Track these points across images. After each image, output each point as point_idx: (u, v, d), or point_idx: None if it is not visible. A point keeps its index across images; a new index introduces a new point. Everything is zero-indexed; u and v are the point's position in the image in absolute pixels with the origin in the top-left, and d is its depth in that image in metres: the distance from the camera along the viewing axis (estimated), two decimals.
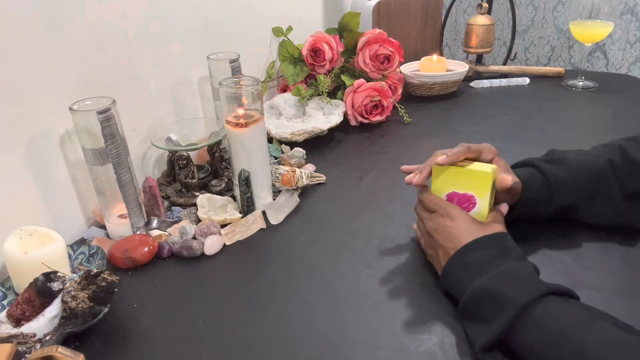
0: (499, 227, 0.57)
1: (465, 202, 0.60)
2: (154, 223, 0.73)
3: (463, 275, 0.53)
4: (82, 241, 0.71)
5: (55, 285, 0.54)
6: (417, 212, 0.64)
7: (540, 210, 0.64)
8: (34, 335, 0.52)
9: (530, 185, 0.63)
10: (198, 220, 0.75)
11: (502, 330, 0.46)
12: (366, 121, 1.08)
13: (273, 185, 0.79)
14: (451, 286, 0.55)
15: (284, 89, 1.18)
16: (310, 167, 0.90)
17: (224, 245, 0.69)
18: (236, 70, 0.87)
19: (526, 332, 0.45)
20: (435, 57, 1.28)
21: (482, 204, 0.59)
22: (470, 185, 0.59)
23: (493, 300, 0.48)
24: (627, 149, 0.64)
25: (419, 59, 1.30)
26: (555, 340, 0.43)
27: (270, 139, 1.00)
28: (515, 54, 1.99)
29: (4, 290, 0.59)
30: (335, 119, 1.02)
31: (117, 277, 0.55)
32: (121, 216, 0.71)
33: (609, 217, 0.64)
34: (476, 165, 0.59)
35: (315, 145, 1.00)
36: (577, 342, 0.42)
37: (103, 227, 0.74)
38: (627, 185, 0.63)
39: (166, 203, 0.80)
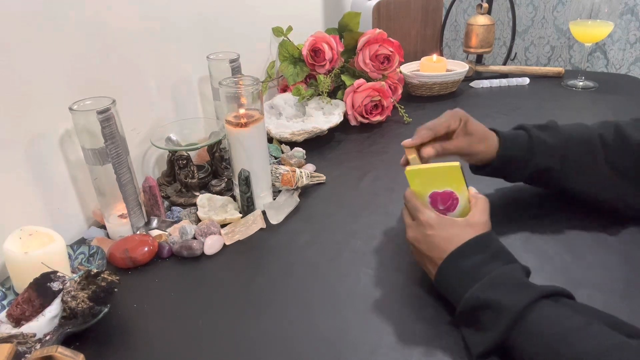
0: (483, 226, 0.55)
1: (448, 200, 0.59)
2: (154, 223, 0.73)
3: (455, 284, 0.52)
4: (82, 241, 0.71)
5: (55, 285, 0.54)
6: (403, 218, 0.62)
7: (516, 168, 0.66)
8: (34, 335, 0.52)
9: (511, 143, 0.65)
10: (198, 220, 0.75)
11: (497, 339, 0.46)
12: (366, 121, 1.08)
13: (273, 185, 0.79)
14: (446, 294, 0.54)
15: (284, 89, 1.18)
16: (310, 167, 0.90)
17: (224, 245, 0.69)
18: (236, 70, 0.87)
19: (522, 340, 0.45)
20: (435, 57, 1.28)
21: (463, 197, 0.59)
22: (446, 182, 0.58)
23: (487, 309, 0.48)
24: (624, 126, 0.65)
25: (419, 59, 1.30)
26: (551, 347, 0.43)
27: (270, 139, 1.00)
28: (515, 54, 1.99)
29: (4, 290, 0.59)
30: (335, 119, 1.02)
31: (117, 277, 0.55)
32: (121, 216, 0.71)
33: (593, 187, 0.65)
34: (442, 163, 0.59)
35: (315, 145, 1.00)
36: (573, 350, 0.41)
37: (103, 227, 0.74)
38: (615, 161, 0.63)
39: (166, 203, 0.80)
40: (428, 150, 0.63)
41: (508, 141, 0.65)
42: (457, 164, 0.57)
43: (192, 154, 0.84)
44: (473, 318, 0.49)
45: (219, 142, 0.85)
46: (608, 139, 0.64)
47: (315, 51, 1.11)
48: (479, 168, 0.69)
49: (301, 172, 0.80)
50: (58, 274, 0.55)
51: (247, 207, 0.75)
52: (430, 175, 0.59)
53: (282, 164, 0.90)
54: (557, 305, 0.46)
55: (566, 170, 0.65)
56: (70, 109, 0.63)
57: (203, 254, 0.68)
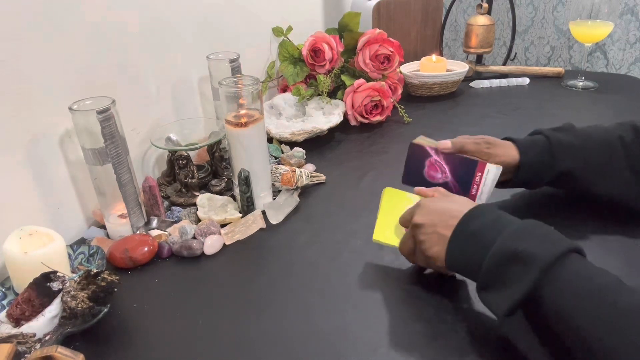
0: None
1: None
2: (154, 223, 0.73)
3: (472, 248, 0.48)
4: (82, 241, 0.71)
5: (55, 285, 0.54)
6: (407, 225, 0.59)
7: (541, 174, 0.66)
8: (34, 335, 0.52)
9: (530, 150, 0.65)
10: (198, 220, 0.75)
11: (526, 292, 0.42)
12: (366, 121, 1.08)
13: (273, 185, 0.79)
14: (461, 263, 0.50)
15: (284, 89, 1.18)
16: (310, 167, 0.90)
17: (224, 245, 0.69)
18: (236, 70, 0.87)
19: (552, 293, 0.42)
20: (435, 57, 1.28)
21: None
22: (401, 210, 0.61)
23: (514, 261, 0.44)
24: None
25: (419, 59, 1.30)
26: (585, 303, 0.40)
27: (270, 139, 1.00)
28: (515, 54, 1.99)
29: (4, 290, 0.59)
30: (335, 119, 1.02)
31: (117, 277, 0.55)
32: (121, 216, 0.71)
33: (615, 189, 0.64)
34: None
35: (315, 145, 1.00)
36: (610, 306, 0.39)
37: (103, 227, 0.74)
38: (635, 163, 0.63)
39: (166, 203, 0.80)
40: (445, 143, 0.66)
41: (527, 147, 0.65)
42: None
43: (192, 154, 0.84)
44: (498, 274, 0.45)
45: (219, 142, 0.85)
46: (628, 140, 0.64)
47: (315, 51, 1.11)
48: (503, 183, 0.68)
49: (301, 172, 0.80)
50: (58, 274, 0.55)
51: (247, 207, 0.75)
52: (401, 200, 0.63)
53: (282, 164, 0.90)
54: (588, 262, 0.44)
55: (588, 172, 0.64)
56: (70, 109, 0.63)
57: (203, 253, 0.68)
